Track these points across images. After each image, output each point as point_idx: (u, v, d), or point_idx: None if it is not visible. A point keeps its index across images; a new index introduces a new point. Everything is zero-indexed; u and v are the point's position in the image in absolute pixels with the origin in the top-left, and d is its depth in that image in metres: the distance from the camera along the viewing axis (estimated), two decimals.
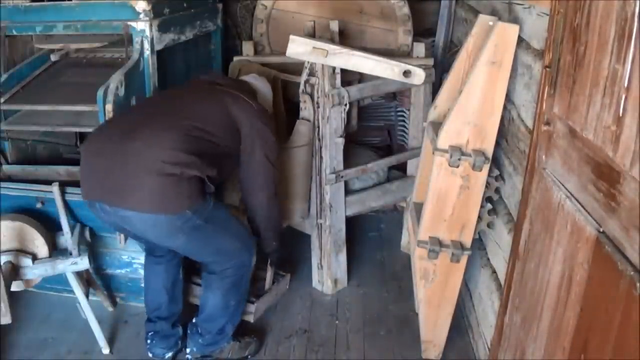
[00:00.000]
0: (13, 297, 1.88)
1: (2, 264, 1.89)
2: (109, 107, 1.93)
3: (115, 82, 1.96)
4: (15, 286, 1.97)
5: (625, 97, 0.98)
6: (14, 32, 2.24)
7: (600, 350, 1.03)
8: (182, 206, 1.69)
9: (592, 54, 1.12)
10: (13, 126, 2.25)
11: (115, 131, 1.76)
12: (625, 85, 0.97)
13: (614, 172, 1.01)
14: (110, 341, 2.14)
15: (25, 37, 2.41)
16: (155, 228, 1.72)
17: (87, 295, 2.09)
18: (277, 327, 2.27)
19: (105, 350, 2.10)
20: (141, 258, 2.26)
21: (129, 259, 2.28)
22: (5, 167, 2.31)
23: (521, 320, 1.52)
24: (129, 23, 2.09)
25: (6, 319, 1.80)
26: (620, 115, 0.99)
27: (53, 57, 2.36)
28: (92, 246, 2.20)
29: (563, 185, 1.26)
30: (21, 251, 1.97)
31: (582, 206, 1.15)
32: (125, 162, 1.66)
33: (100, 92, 1.94)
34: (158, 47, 2.16)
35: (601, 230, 1.06)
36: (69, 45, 2.37)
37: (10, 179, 2.25)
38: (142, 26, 2.09)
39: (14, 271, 1.91)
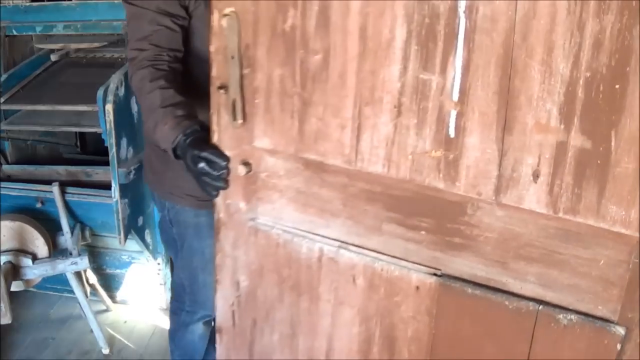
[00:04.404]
0: (13, 297, 1.88)
1: (2, 264, 1.88)
2: (109, 107, 1.93)
3: (115, 82, 1.96)
4: (15, 286, 1.96)
5: (459, 113, 0.85)
6: (14, 32, 2.24)
7: None
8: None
9: (346, 64, 0.92)
10: (13, 126, 2.25)
11: None
12: (456, 98, 0.85)
13: (452, 204, 0.90)
14: (110, 341, 2.14)
15: (25, 37, 2.40)
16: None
17: (87, 295, 2.08)
18: None
19: (105, 351, 2.09)
20: (141, 258, 2.26)
21: (129, 259, 2.28)
22: (5, 167, 2.30)
23: None
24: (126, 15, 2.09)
25: (6, 319, 1.80)
26: (453, 135, 0.87)
27: (53, 57, 2.36)
28: (92, 246, 2.20)
29: (318, 234, 1.03)
30: (21, 251, 1.96)
31: (377, 251, 0.98)
32: None
33: (100, 92, 1.94)
34: None
35: (439, 274, 0.95)
36: (69, 45, 2.37)
37: (10, 179, 2.24)
38: None
39: (14, 271, 1.91)
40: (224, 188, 1.07)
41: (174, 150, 1.13)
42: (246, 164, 1.04)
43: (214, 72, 1.02)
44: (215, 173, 1.05)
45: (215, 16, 0.99)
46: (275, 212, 1.07)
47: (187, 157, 1.09)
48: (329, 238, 1.03)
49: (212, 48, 1.01)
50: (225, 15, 0.97)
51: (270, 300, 1.13)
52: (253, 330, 1.17)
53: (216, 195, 1.10)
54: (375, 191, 0.96)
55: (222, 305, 1.18)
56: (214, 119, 1.05)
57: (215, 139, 1.06)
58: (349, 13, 0.89)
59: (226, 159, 1.05)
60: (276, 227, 1.07)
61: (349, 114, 0.94)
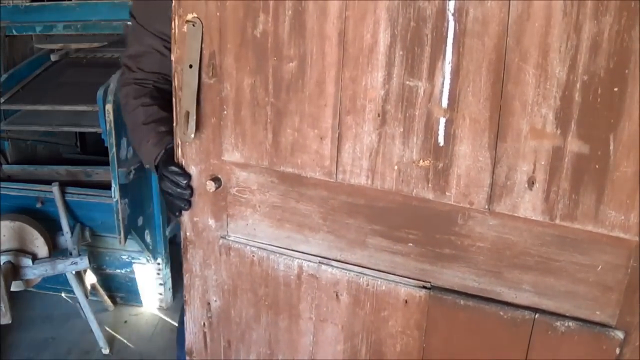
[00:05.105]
0: (13, 297, 1.88)
1: (2, 264, 1.89)
2: (109, 107, 1.92)
3: (115, 82, 1.95)
4: (15, 286, 1.97)
5: (448, 120, 0.81)
6: (14, 32, 2.25)
7: None
8: None
9: (324, 71, 0.88)
10: (13, 126, 2.26)
11: None
12: (445, 104, 0.81)
13: (441, 215, 0.87)
14: (110, 341, 2.14)
15: (25, 37, 2.41)
16: None
17: (87, 295, 2.09)
18: None
19: (105, 351, 2.10)
20: (141, 258, 2.26)
21: (129, 259, 2.28)
22: (5, 167, 2.31)
23: None
24: (129, 23, 2.09)
25: (6, 319, 1.80)
26: (443, 143, 0.83)
27: (53, 57, 2.37)
28: (92, 246, 2.20)
29: (296, 250, 0.99)
30: (21, 251, 1.97)
31: (362, 266, 0.95)
32: None
33: (100, 92, 1.93)
34: None
35: (429, 286, 0.91)
36: (69, 45, 2.37)
37: (10, 179, 2.25)
38: None
39: (14, 271, 1.92)
40: (185, 209, 1.02)
41: (157, 167, 1.06)
42: (215, 179, 0.98)
43: (176, 82, 0.97)
44: (177, 191, 0.99)
45: (176, 22, 0.93)
46: (248, 229, 1.02)
47: (159, 174, 1.03)
48: (308, 254, 0.98)
49: (173, 57, 0.96)
50: (188, 21, 0.91)
51: (245, 320, 1.07)
52: (227, 352, 1.13)
53: (178, 217, 1.05)
54: (358, 204, 0.92)
55: (192, 326, 1.13)
56: (178, 132, 0.99)
57: (179, 153, 1.01)
58: (326, 17, 0.85)
59: (187, 177, 0.99)
60: (250, 244, 1.03)
61: (329, 123, 0.90)
